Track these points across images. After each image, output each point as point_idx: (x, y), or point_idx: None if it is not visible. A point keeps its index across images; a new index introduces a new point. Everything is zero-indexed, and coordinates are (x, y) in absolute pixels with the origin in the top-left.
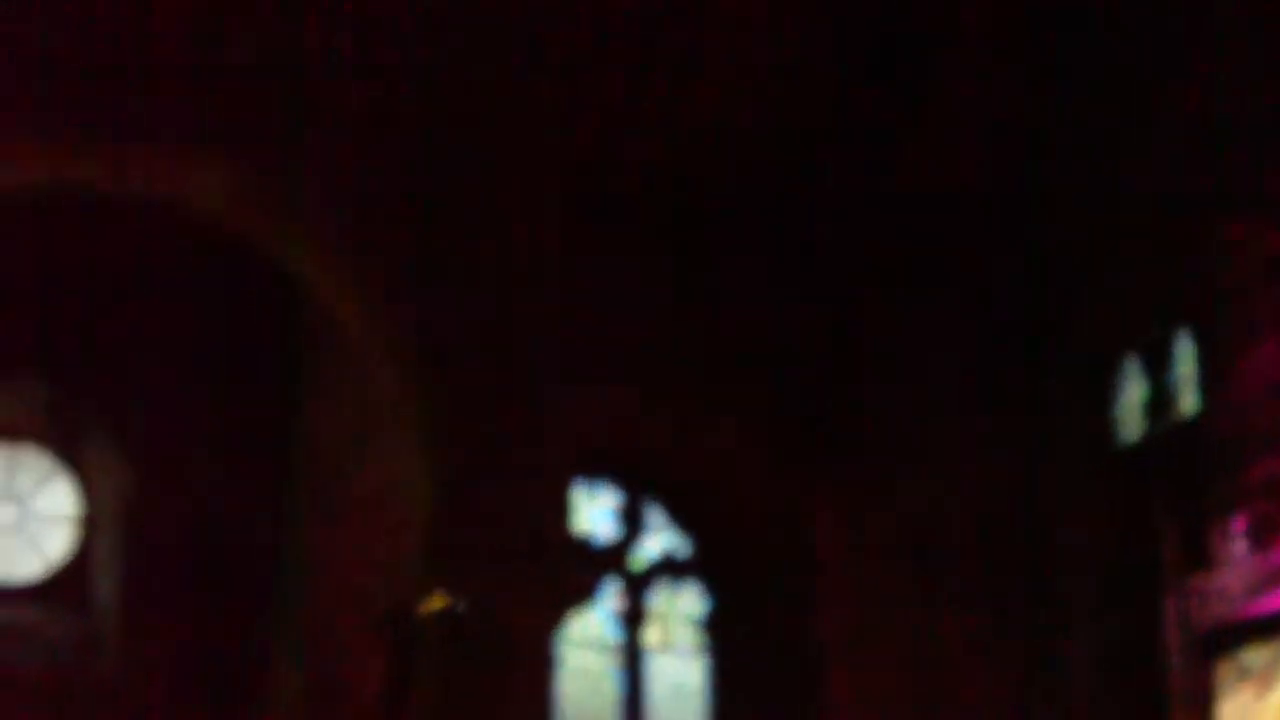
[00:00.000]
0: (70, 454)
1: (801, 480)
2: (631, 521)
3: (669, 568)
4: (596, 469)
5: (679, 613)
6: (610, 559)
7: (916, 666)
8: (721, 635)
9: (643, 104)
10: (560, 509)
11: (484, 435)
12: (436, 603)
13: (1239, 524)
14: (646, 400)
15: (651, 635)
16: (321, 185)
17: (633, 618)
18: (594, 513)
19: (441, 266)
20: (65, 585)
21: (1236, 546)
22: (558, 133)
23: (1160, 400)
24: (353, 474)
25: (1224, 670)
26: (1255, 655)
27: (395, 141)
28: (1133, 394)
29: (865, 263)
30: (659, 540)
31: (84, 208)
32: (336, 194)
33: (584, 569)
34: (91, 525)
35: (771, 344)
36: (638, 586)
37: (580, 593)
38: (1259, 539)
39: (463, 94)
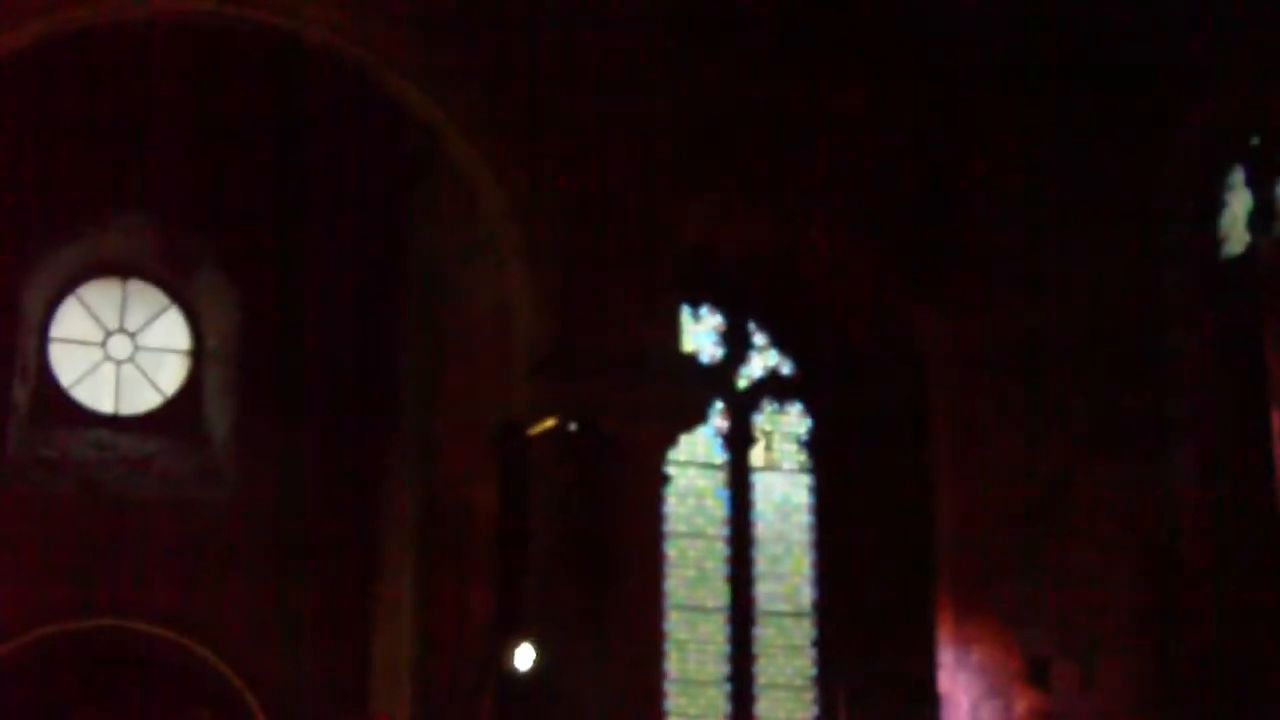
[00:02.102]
0: (181, 288)
1: (907, 293)
2: (736, 342)
3: (773, 388)
4: (701, 291)
5: (784, 432)
6: (715, 379)
7: (1022, 482)
8: (826, 453)
9: None
10: (668, 328)
11: (591, 256)
12: (548, 422)
13: None
14: (753, 212)
15: (757, 454)
16: (425, 10)
17: (738, 437)
18: (699, 334)
19: (547, 89)
20: (179, 416)
21: None
22: None
23: (1264, 212)
24: (463, 297)
25: None
26: None
27: None
28: (1237, 205)
29: (975, 77)
30: (763, 360)
31: (191, 43)
32: (441, 19)
33: (692, 388)
34: (203, 357)
35: (880, 155)
36: (743, 406)
37: (691, 411)
38: None
39: None
